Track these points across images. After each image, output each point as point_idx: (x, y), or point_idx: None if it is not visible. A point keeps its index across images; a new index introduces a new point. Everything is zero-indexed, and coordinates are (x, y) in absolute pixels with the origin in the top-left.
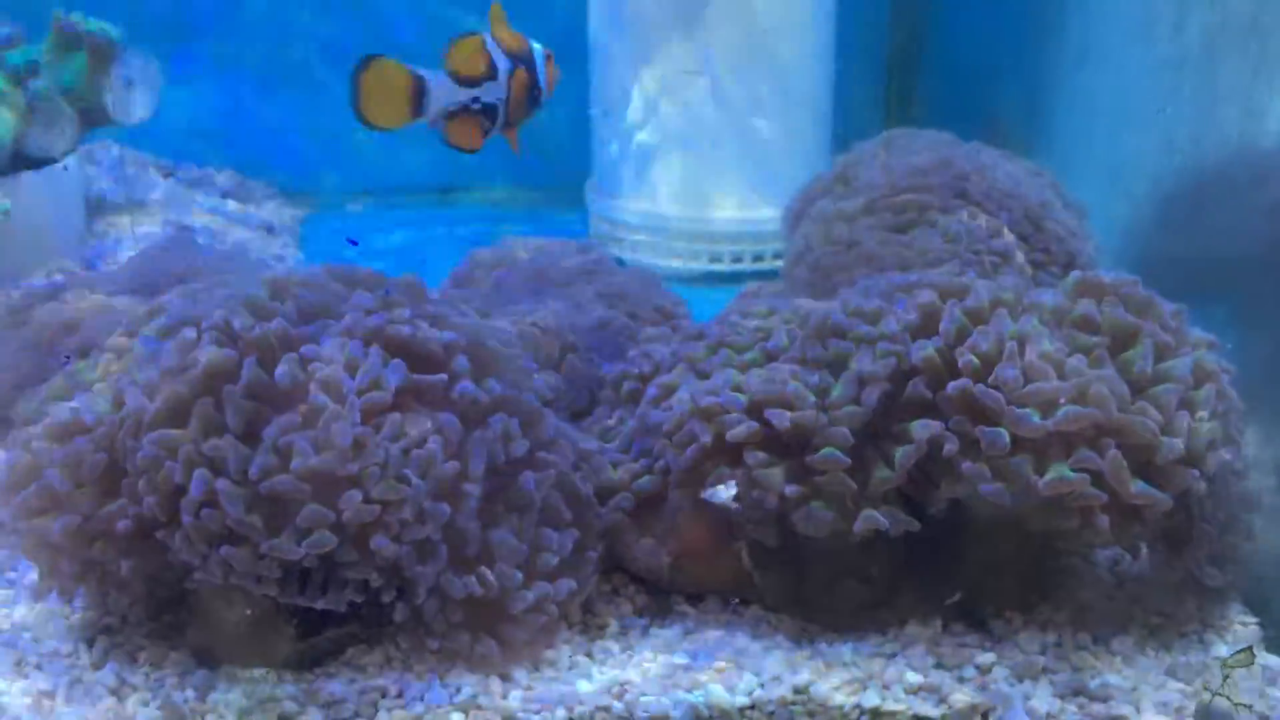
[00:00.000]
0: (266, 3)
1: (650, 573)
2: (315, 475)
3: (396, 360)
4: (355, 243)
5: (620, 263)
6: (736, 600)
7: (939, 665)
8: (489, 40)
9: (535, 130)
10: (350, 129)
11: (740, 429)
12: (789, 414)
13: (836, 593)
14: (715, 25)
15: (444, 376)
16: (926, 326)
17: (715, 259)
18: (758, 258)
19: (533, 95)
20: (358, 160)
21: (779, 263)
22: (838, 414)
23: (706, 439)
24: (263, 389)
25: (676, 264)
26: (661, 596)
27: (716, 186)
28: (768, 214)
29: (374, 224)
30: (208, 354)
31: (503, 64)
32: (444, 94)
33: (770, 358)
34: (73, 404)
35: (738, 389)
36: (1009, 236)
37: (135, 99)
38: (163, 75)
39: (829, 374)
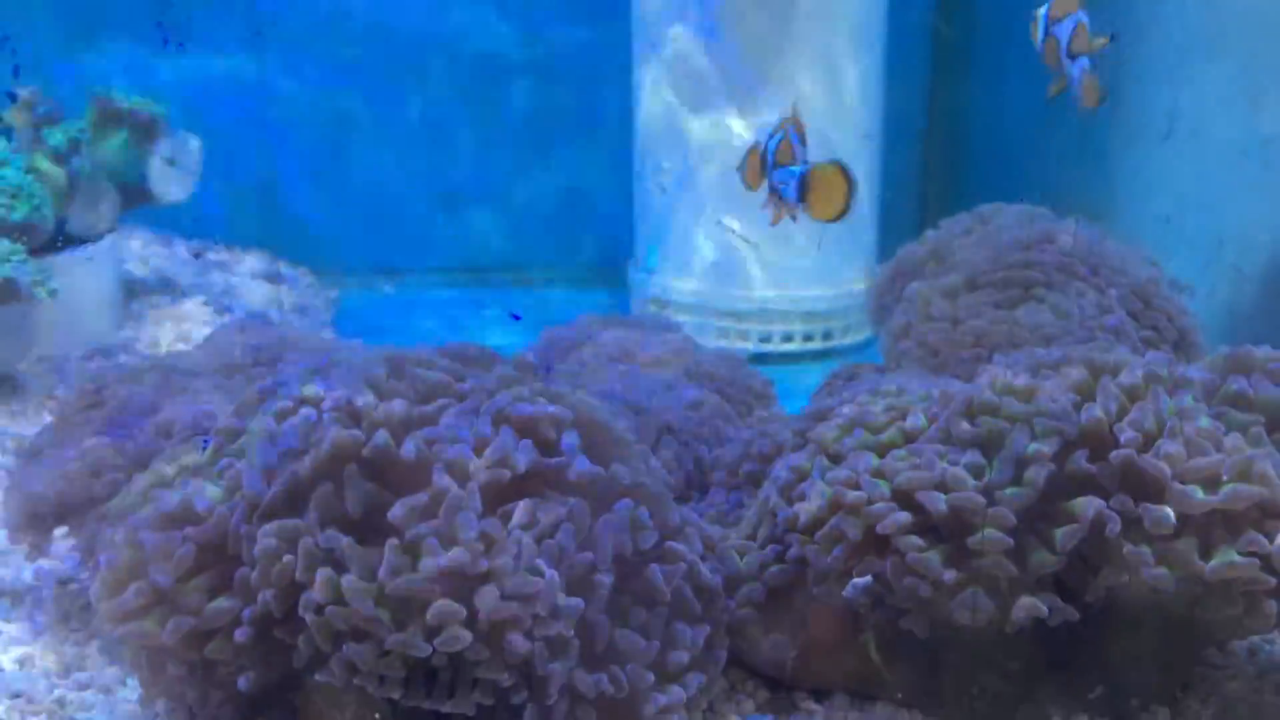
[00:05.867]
0: (302, 82)
1: (774, 667)
2: (446, 574)
3: (525, 440)
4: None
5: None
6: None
7: None
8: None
9: (575, 209)
10: (382, 207)
11: (893, 520)
12: (944, 497)
13: (974, 687)
14: (766, 105)
15: (567, 458)
16: (1081, 404)
17: (765, 339)
18: (808, 337)
19: None
20: (390, 240)
21: (832, 342)
22: (1001, 495)
23: (856, 536)
24: (386, 469)
25: (722, 343)
26: (783, 693)
27: (767, 264)
28: (821, 292)
29: (409, 304)
30: (333, 434)
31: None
32: None
33: (909, 438)
34: (182, 492)
35: (879, 474)
36: (1121, 313)
37: (175, 176)
38: (203, 153)
39: (979, 453)
